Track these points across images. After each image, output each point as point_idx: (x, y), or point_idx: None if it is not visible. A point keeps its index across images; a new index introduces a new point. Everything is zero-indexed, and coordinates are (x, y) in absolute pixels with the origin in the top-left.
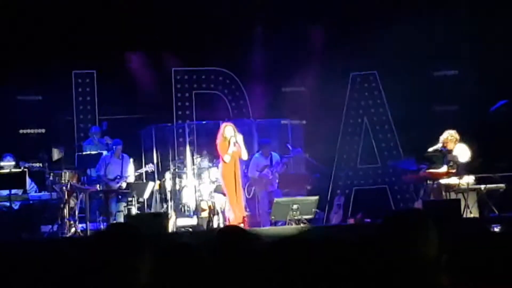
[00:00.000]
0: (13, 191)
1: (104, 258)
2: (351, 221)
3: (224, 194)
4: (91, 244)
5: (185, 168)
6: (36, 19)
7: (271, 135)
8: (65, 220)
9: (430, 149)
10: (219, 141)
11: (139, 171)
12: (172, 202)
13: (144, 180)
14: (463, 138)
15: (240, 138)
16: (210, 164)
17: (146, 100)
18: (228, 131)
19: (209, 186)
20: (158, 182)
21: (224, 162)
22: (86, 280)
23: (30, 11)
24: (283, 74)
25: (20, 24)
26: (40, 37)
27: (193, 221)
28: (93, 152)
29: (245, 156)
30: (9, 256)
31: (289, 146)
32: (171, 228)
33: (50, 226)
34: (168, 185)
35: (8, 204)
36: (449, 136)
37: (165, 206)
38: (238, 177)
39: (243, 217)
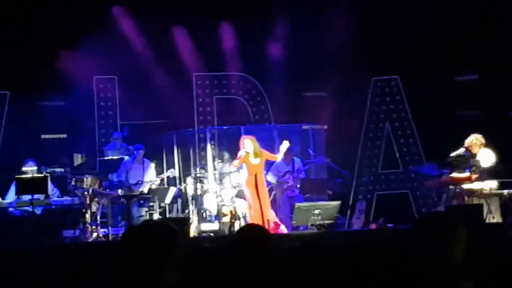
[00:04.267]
0: (36, 196)
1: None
2: (373, 226)
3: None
4: (123, 241)
5: (206, 173)
6: (55, 25)
7: (292, 140)
8: (87, 225)
9: (453, 154)
10: (239, 153)
11: (161, 176)
12: (194, 207)
13: (166, 185)
14: (486, 143)
15: (260, 149)
16: (232, 169)
17: (168, 106)
18: (246, 144)
19: (230, 191)
20: (179, 187)
21: (248, 172)
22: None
23: (50, 18)
24: (304, 79)
25: (41, 30)
26: (62, 43)
27: (215, 226)
28: (114, 157)
29: (279, 158)
30: (32, 260)
31: (311, 151)
32: (192, 233)
33: (72, 231)
34: (190, 190)
35: (30, 209)
36: (474, 139)
37: (186, 211)
38: (262, 186)
39: (268, 221)
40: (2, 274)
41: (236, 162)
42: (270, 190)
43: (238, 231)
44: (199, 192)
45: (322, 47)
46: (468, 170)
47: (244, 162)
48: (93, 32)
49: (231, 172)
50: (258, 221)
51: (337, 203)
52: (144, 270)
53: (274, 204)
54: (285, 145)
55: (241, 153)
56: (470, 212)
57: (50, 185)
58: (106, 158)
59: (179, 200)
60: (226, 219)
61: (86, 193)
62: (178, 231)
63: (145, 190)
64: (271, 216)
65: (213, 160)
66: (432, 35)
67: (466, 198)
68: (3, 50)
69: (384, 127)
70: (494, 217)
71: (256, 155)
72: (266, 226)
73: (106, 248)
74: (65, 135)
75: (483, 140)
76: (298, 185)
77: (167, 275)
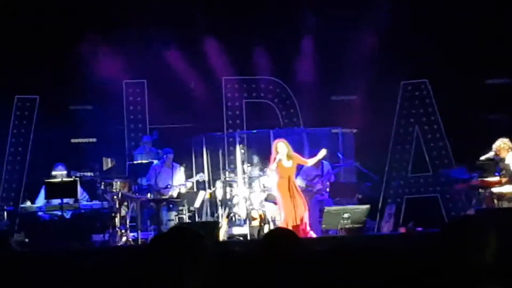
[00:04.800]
0: (65, 200)
1: (164, 260)
2: (402, 230)
3: (275, 203)
4: (151, 247)
5: (235, 177)
6: (85, 29)
7: (321, 144)
8: (116, 229)
9: (482, 157)
10: (272, 156)
11: (190, 180)
12: (223, 211)
13: (195, 189)
14: None
15: (292, 152)
16: (261, 173)
17: (197, 109)
18: (280, 147)
19: (259, 195)
20: (209, 191)
21: (280, 175)
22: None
23: (80, 23)
24: (334, 83)
25: (72, 35)
26: (90, 46)
27: (244, 230)
28: (144, 161)
29: (310, 162)
30: (61, 264)
31: (340, 155)
32: (222, 237)
33: (101, 235)
34: (219, 194)
35: (60, 213)
36: (502, 143)
37: (215, 215)
38: (294, 191)
39: (297, 226)
40: (32, 278)
41: (273, 166)
42: None
43: (266, 235)
44: (228, 196)
45: (351, 50)
46: (497, 174)
47: (277, 165)
48: (122, 36)
49: (260, 176)
50: (291, 224)
51: (366, 206)
52: (172, 276)
53: None
54: (322, 153)
55: (279, 156)
56: (500, 216)
57: (79, 189)
58: (135, 162)
59: (208, 204)
60: (256, 223)
61: (115, 197)
62: (207, 235)
63: (174, 194)
64: (305, 219)
65: (242, 164)
66: (461, 38)
67: (496, 201)
68: (33, 54)
69: (413, 130)
70: None
71: (289, 158)
72: (300, 229)
73: (136, 252)
74: (94, 139)
75: (510, 144)
76: (327, 189)
77: (194, 281)
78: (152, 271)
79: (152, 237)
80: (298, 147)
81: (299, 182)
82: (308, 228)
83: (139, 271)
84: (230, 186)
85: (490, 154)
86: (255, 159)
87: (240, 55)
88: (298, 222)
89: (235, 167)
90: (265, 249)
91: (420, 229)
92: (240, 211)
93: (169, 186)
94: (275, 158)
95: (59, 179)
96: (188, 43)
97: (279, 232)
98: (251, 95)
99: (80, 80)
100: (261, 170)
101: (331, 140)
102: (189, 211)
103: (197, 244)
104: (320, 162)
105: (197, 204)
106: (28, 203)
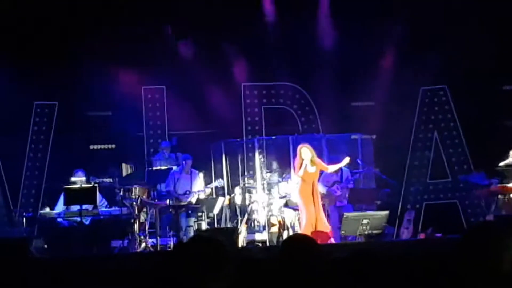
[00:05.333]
0: (84, 206)
1: (185, 270)
2: (421, 236)
3: (294, 209)
4: (173, 255)
5: (254, 183)
6: (104, 36)
7: (340, 150)
8: (135, 235)
9: (502, 163)
10: (296, 162)
11: (209, 186)
12: (242, 217)
13: (214, 195)
14: None
15: (316, 158)
16: (280, 179)
17: (216, 115)
18: (304, 152)
19: (279, 201)
20: (228, 197)
21: (303, 180)
22: None
23: (99, 30)
24: (353, 89)
25: (90, 41)
26: (109, 53)
27: (263, 236)
28: (163, 167)
29: (331, 169)
30: (81, 271)
31: (359, 161)
32: (241, 243)
33: (120, 241)
34: (238, 200)
35: (79, 219)
36: None
37: (235, 221)
38: (317, 197)
39: (319, 232)
40: (51, 284)
41: (301, 171)
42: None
43: (284, 241)
44: (247, 202)
45: (370, 56)
46: None
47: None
48: (141, 42)
49: (279, 182)
50: (312, 229)
51: (385, 213)
52: (193, 284)
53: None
54: (346, 160)
55: (306, 162)
56: None
57: (98, 196)
58: (154, 168)
59: (227, 210)
60: (275, 229)
61: (134, 203)
62: (226, 241)
63: (193, 200)
64: (325, 225)
65: (261, 170)
66: (479, 45)
67: None
68: (52, 60)
69: (432, 136)
70: None
71: (312, 163)
72: (321, 235)
73: (155, 259)
74: (113, 146)
75: None
76: (347, 195)
77: None
78: (175, 278)
79: (174, 245)
80: (317, 153)
81: (320, 188)
82: (329, 234)
83: (160, 277)
84: (249, 192)
85: (510, 160)
86: (274, 165)
87: (260, 61)
88: (320, 228)
89: (254, 173)
90: (284, 255)
91: (439, 235)
92: (259, 217)
93: (188, 192)
94: (301, 164)
95: (78, 186)
96: (207, 49)
97: (297, 238)
98: (270, 101)
99: (99, 86)
100: (280, 176)
101: (350, 146)
102: (208, 217)
103: (219, 253)
104: (339, 169)
105: (216, 210)
106: (47, 209)
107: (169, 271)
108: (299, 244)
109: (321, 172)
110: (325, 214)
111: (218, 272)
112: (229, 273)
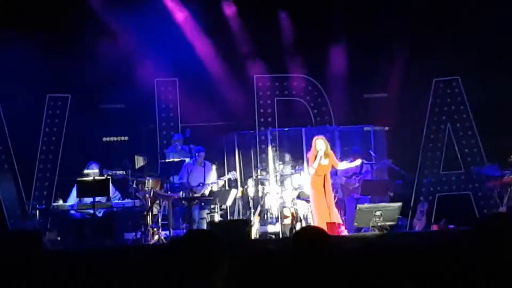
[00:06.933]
0: (97, 198)
1: (182, 264)
2: (434, 227)
3: (307, 201)
4: (169, 250)
5: (267, 175)
6: (117, 28)
7: (353, 142)
8: (148, 227)
9: None
10: (310, 154)
11: (222, 178)
12: (255, 209)
13: (227, 187)
14: None
15: (329, 150)
16: (293, 171)
17: (229, 107)
18: (319, 144)
19: (291, 192)
20: (241, 189)
21: (316, 172)
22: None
23: (110, 21)
24: (365, 80)
25: (103, 33)
26: (123, 45)
27: (276, 228)
28: (176, 160)
29: (340, 166)
30: (94, 263)
31: (372, 153)
32: (254, 235)
33: (133, 234)
34: (251, 192)
35: (92, 211)
36: None
37: (248, 213)
38: (328, 189)
39: (330, 223)
40: (65, 276)
41: (316, 163)
42: (335, 192)
43: (295, 233)
44: (260, 194)
45: (383, 48)
46: None
47: (312, 162)
48: (154, 34)
49: (292, 174)
50: (325, 221)
51: (398, 204)
52: (192, 278)
53: (337, 205)
54: (357, 162)
55: (320, 153)
56: None
57: (111, 188)
58: (167, 160)
59: (240, 202)
60: (288, 221)
61: (147, 195)
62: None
63: (207, 192)
64: (336, 216)
65: (274, 162)
66: (493, 35)
67: None
68: (64, 53)
69: (445, 128)
70: None
71: (326, 155)
72: (332, 226)
73: (162, 249)
74: (126, 138)
75: None
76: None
77: (215, 283)
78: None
79: (167, 243)
80: (330, 145)
81: (339, 179)
82: (342, 226)
83: (171, 269)
84: (262, 184)
85: None
86: (287, 157)
87: (272, 52)
88: (332, 220)
89: (267, 165)
90: (296, 247)
91: (452, 226)
92: (272, 209)
93: (201, 184)
94: (315, 156)
95: (91, 178)
96: (220, 41)
97: (309, 230)
98: (283, 93)
99: (112, 79)
100: (293, 168)
101: (363, 138)
102: (221, 209)
103: (214, 249)
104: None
105: (229, 202)
106: (60, 202)
107: (164, 266)
108: (311, 236)
109: None
110: (342, 206)
111: (215, 265)
112: (225, 263)
